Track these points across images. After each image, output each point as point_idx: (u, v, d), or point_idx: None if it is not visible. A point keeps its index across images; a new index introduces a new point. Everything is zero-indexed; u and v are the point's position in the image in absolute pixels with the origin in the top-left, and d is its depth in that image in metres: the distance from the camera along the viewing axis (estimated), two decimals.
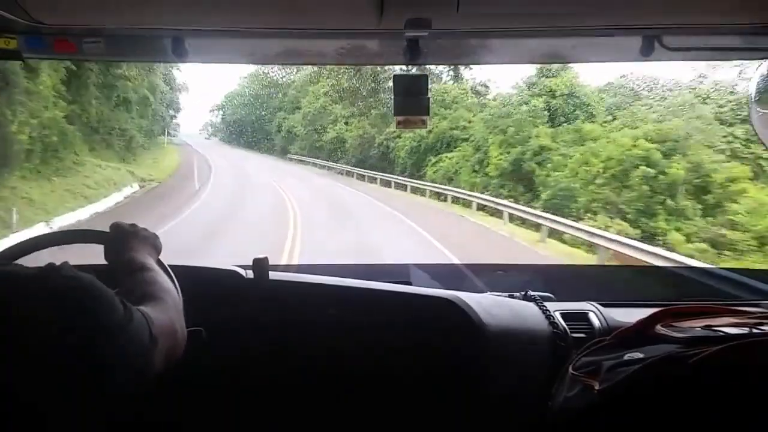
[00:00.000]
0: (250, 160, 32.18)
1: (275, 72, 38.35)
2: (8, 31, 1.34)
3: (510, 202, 15.35)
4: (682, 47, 1.42)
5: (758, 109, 1.34)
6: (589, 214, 13.93)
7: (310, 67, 26.33)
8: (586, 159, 15.50)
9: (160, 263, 1.17)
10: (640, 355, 1.04)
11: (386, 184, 22.30)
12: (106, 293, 0.78)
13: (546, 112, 20.04)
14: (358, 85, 24.85)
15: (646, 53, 1.41)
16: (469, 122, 22.28)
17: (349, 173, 25.74)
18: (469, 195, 17.42)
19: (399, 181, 21.79)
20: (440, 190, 19.12)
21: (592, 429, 1.06)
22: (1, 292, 0.73)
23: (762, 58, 1.39)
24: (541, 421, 1.19)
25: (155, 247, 1.19)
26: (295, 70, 33.82)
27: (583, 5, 1.24)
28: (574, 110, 19.97)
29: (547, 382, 1.21)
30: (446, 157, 21.87)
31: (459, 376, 1.52)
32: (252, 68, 41.43)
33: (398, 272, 1.91)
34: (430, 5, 1.18)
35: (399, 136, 24.70)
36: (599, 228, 11.95)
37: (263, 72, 39.40)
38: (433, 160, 22.34)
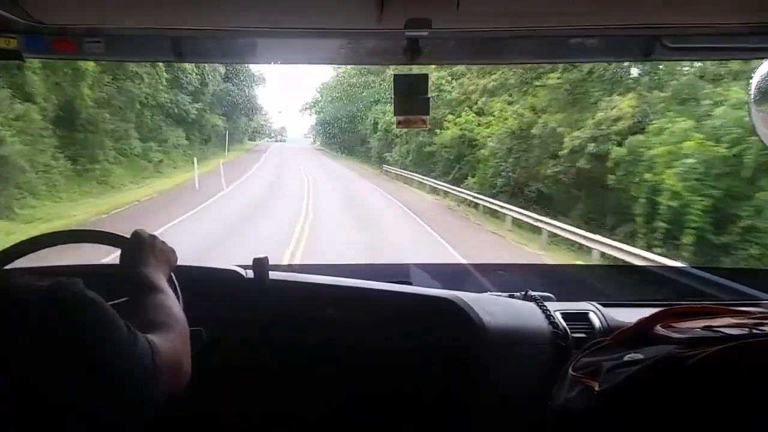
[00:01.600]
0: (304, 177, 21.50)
1: None
2: (8, 31, 1.34)
3: None
4: (682, 47, 1.43)
5: (758, 109, 1.33)
6: None
7: None
8: None
9: (171, 281, 1.16)
10: (640, 356, 1.04)
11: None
12: (111, 314, 0.79)
13: None
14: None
15: (647, 53, 1.41)
16: None
17: (493, 212, 12.60)
18: None
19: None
20: None
21: (593, 430, 1.06)
22: (8, 304, 0.74)
23: (762, 58, 1.39)
24: (541, 422, 1.19)
25: (170, 262, 1.18)
26: None
27: (583, 5, 1.24)
28: None
29: (547, 382, 1.21)
30: None
31: (459, 376, 1.53)
32: None
33: (398, 272, 1.91)
34: (430, 5, 1.17)
35: (645, 130, 9.63)
36: None
37: None
38: None
